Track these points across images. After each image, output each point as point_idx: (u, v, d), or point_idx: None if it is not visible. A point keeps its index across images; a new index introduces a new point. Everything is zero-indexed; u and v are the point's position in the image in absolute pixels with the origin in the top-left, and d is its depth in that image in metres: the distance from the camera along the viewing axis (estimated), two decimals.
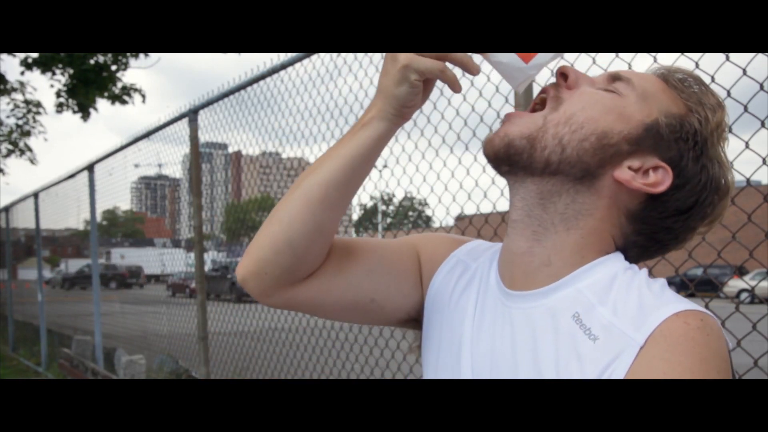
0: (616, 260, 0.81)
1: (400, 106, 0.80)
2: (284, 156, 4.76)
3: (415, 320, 0.96)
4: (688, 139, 0.80)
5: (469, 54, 0.79)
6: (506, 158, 0.80)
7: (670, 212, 0.82)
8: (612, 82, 0.83)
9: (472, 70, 0.79)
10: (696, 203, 0.82)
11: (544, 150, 0.78)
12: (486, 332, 0.83)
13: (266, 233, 0.84)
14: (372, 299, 0.91)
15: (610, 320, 0.73)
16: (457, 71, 0.81)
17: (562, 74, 0.83)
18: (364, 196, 6.33)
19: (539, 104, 0.84)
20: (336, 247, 0.89)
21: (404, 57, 0.76)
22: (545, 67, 0.80)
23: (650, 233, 0.83)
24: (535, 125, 0.79)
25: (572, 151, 0.78)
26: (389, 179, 4.05)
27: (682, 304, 0.72)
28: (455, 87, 0.80)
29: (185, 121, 4.22)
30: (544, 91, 0.83)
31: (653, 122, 0.80)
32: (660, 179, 0.79)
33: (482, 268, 0.91)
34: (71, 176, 6.97)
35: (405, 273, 0.93)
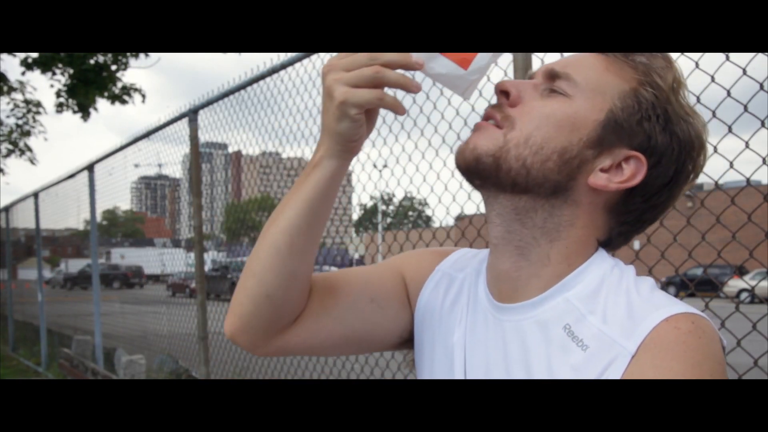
0: (602, 261, 0.80)
1: (345, 142, 0.78)
2: (284, 156, 4.75)
3: (408, 341, 0.96)
4: (650, 116, 0.78)
5: (408, 73, 0.76)
6: (476, 172, 0.79)
7: (653, 191, 0.80)
8: (552, 80, 0.80)
9: (412, 88, 0.75)
10: (677, 170, 0.80)
11: (509, 171, 0.77)
12: (479, 345, 0.83)
13: (243, 288, 0.84)
14: (361, 330, 0.90)
15: (600, 328, 0.73)
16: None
17: (503, 92, 0.80)
18: (364, 196, 6.34)
19: (491, 111, 0.81)
20: (316, 286, 0.88)
21: (339, 93, 0.73)
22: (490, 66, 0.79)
23: (636, 218, 0.82)
24: (498, 143, 0.77)
25: (537, 173, 0.76)
26: (389, 179, 4.05)
27: (672, 307, 0.71)
28: (399, 110, 0.77)
29: (185, 121, 4.22)
30: (489, 116, 0.80)
31: (608, 115, 0.77)
32: (634, 170, 0.78)
33: (469, 278, 0.91)
34: (71, 176, 6.97)
35: (389, 297, 0.92)
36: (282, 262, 0.81)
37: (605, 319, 0.73)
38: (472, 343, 0.84)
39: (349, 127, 0.76)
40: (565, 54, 0.87)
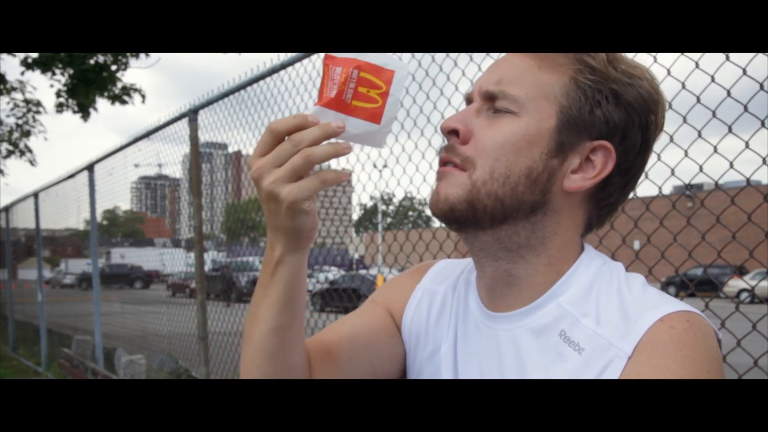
0: (590, 261, 0.80)
1: (302, 235, 0.75)
2: None
3: None
4: (599, 101, 0.75)
5: (331, 140, 0.74)
6: (454, 219, 0.78)
7: (628, 164, 0.79)
8: (492, 101, 0.78)
9: (344, 153, 0.73)
10: (643, 135, 0.79)
11: (485, 209, 0.76)
12: (472, 355, 0.83)
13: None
14: (368, 373, 0.89)
15: (595, 330, 0.73)
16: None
17: (451, 132, 0.79)
18: (364, 196, 6.34)
19: (447, 156, 0.80)
20: (313, 355, 0.87)
21: (285, 194, 0.71)
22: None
23: (618, 196, 0.81)
24: (466, 187, 0.76)
25: (511, 201, 0.76)
26: (389, 179, 4.05)
27: (665, 306, 0.71)
28: (342, 179, 0.75)
29: (185, 120, 4.22)
30: (447, 161, 0.79)
31: (559, 118, 0.75)
32: (604, 159, 0.77)
33: (457, 290, 0.90)
34: (71, 176, 6.97)
35: (380, 337, 0.92)
36: (277, 361, 0.79)
37: (599, 321, 0.73)
38: (465, 354, 0.84)
39: (304, 221, 0.73)
40: (495, 55, 0.84)
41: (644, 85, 0.78)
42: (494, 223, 0.77)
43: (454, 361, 0.85)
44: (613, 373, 0.69)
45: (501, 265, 0.80)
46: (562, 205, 0.78)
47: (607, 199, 0.80)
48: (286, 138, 0.72)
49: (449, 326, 0.88)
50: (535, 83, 0.76)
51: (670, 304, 0.72)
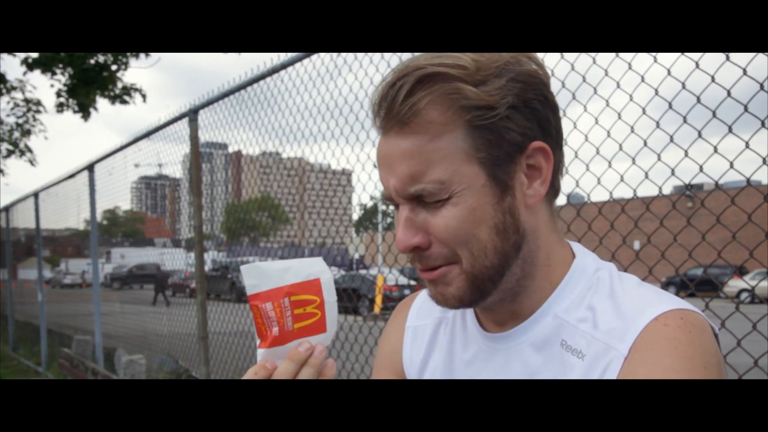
0: (583, 267, 0.80)
1: None
2: (284, 156, 4.76)
3: None
4: (500, 122, 0.72)
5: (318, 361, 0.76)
6: (468, 305, 0.78)
7: (553, 133, 0.77)
8: (421, 200, 0.74)
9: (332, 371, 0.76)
10: (547, 104, 0.76)
11: (486, 282, 0.76)
12: (480, 377, 0.84)
13: None
14: None
15: (593, 335, 0.73)
16: None
17: (414, 249, 0.76)
18: (364, 196, 6.34)
19: (425, 264, 0.78)
20: None
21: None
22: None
23: (561, 161, 0.80)
24: (464, 277, 0.76)
25: (500, 260, 0.75)
26: None
27: (660, 304, 0.71)
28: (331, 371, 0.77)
29: (185, 120, 4.22)
30: (428, 268, 0.77)
31: (485, 169, 0.73)
32: (543, 159, 0.76)
33: (449, 318, 0.90)
34: (71, 176, 6.97)
35: None
36: None
37: (596, 325, 0.74)
38: (472, 376, 0.84)
39: None
40: (389, 152, 0.75)
41: (521, 70, 0.74)
42: (496, 284, 0.77)
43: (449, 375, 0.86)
44: (611, 375, 0.70)
45: (504, 298, 0.80)
46: (533, 219, 0.78)
47: (559, 174, 0.80)
48: None
49: (445, 355, 0.88)
50: (442, 157, 0.72)
51: (665, 303, 0.72)
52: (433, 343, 0.91)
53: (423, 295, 0.97)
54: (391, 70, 0.75)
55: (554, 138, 0.77)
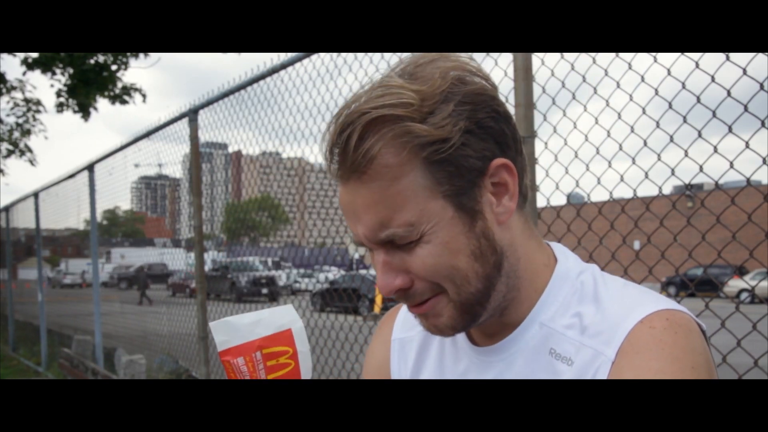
0: (566, 272, 0.80)
1: None
2: (284, 156, 4.75)
3: None
4: (455, 151, 0.71)
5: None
6: (462, 330, 0.79)
7: (512, 145, 0.76)
8: (394, 243, 0.74)
9: None
10: (499, 117, 0.74)
11: (475, 307, 0.76)
12: None
13: None
14: None
15: (581, 341, 0.73)
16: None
17: (400, 290, 0.76)
18: None
19: (413, 300, 0.77)
20: None
21: None
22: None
23: (525, 169, 0.79)
24: (453, 306, 0.76)
25: (484, 283, 0.75)
26: None
27: (645, 306, 0.71)
28: None
29: (185, 120, 4.23)
30: (416, 303, 0.77)
31: (450, 200, 0.72)
32: (507, 175, 0.75)
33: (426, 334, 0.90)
34: (71, 176, 6.98)
35: None
36: None
37: (583, 331, 0.74)
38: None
39: None
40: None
41: (468, 90, 0.72)
42: (485, 306, 0.77)
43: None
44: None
45: (494, 314, 0.80)
46: (509, 234, 0.77)
47: (524, 180, 0.79)
48: None
49: (435, 364, 0.88)
50: (406, 200, 0.71)
51: (650, 303, 0.71)
52: (422, 356, 0.91)
53: (405, 306, 0.96)
54: (334, 115, 0.73)
55: (513, 147, 0.76)
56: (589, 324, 0.74)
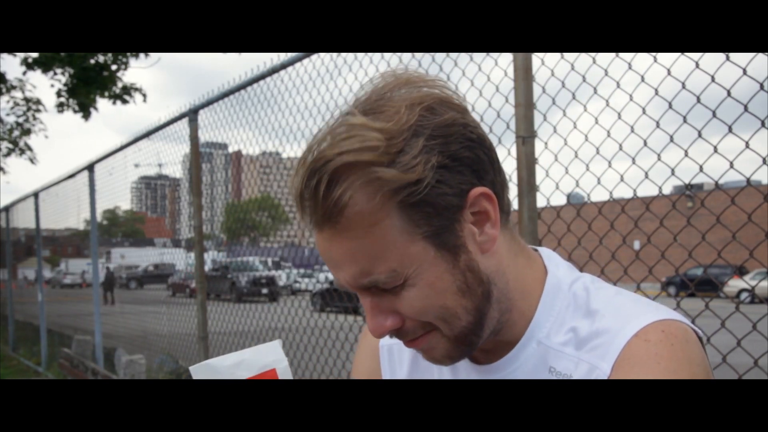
0: (558, 286, 0.79)
1: None
2: (284, 156, 4.75)
3: None
4: (432, 191, 0.68)
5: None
6: (457, 361, 0.78)
7: (489, 170, 0.73)
8: (379, 287, 0.72)
9: None
10: (465, 143, 0.71)
11: (469, 337, 0.75)
12: None
13: None
14: None
15: (578, 356, 0.73)
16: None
17: (394, 332, 0.75)
18: None
19: (409, 337, 0.76)
20: None
21: None
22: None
23: (505, 190, 0.77)
24: (446, 341, 0.75)
25: (475, 315, 0.74)
26: None
27: (640, 318, 0.70)
28: None
29: (185, 120, 4.23)
30: (411, 339, 0.76)
31: (430, 241, 0.70)
32: (487, 204, 0.72)
33: None
34: (71, 176, 6.98)
35: None
36: None
37: (579, 346, 0.74)
38: None
39: None
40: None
41: (423, 128, 0.69)
42: (480, 334, 0.76)
43: None
44: None
45: (490, 336, 0.79)
46: (494, 261, 0.75)
47: (505, 196, 0.77)
48: None
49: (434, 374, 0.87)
50: (384, 248, 0.69)
51: (644, 315, 0.71)
52: (416, 363, 0.90)
53: None
54: (298, 160, 0.70)
55: (491, 170, 0.73)
56: (584, 338, 0.73)
